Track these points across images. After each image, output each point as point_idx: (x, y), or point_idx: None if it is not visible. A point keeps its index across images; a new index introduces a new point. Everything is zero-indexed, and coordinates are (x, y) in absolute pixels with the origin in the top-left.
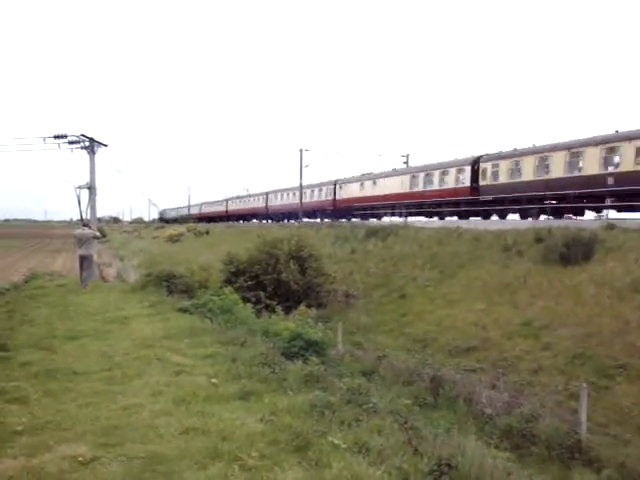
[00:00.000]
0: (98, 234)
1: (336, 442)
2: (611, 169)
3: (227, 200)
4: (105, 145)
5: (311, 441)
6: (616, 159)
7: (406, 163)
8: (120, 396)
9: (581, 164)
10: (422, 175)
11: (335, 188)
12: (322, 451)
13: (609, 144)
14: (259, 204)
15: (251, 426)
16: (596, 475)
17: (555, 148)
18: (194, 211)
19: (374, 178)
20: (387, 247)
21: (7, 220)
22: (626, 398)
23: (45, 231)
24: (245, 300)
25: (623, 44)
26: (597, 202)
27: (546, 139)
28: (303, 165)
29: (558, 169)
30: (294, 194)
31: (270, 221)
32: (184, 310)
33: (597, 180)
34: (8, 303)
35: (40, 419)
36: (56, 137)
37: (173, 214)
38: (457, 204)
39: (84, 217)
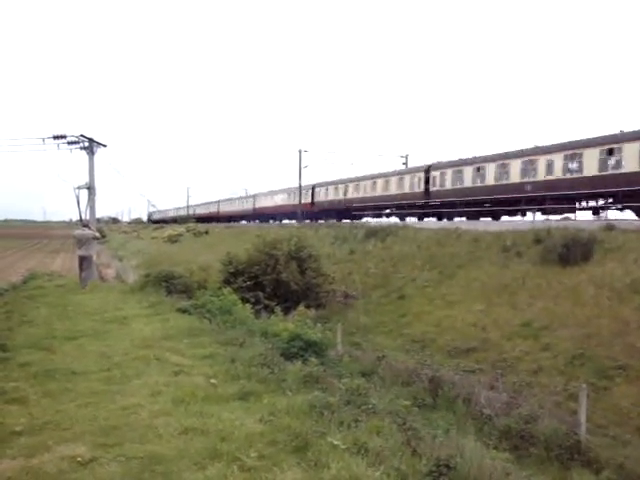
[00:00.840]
0: (98, 235)
1: (335, 443)
2: (529, 179)
3: (219, 202)
4: (104, 145)
5: (310, 442)
6: (533, 170)
7: (405, 164)
8: (119, 396)
9: (508, 174)
10: (382, 180)
11: (313, 192)
12: (321, 452)
13: (530, 157)
14: (247, 206)
15: (250, 426)
16: (595, 476)
17: (486, 160)
18: (186, 212)
19: (346, 182)
20: (386, 248)
21: (6, 220)
22: (625, 399)
23: (44, 231)
24: (244, 300)
25: (627, 43)
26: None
27: (546, 138)
28: (302, 166)
29: (490, 178)
30: (276, 196)
31: (257, 221)
32: (183, 310)
33: (519, 187)
34: (7, 304)
35: (39, 419)
36: (55, 137)
37: (161, 216)
38: (414, 207)
39: (83, 217)
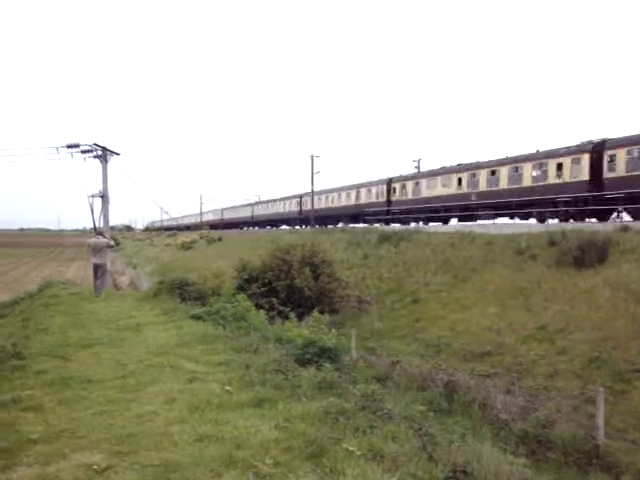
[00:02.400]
0: (112, 243)
1: (350, 449)
2: (473, 189)
3: (223, 210)
4: (117, 154)
5: (325, 448)
6: (476, 181)
7: (417, 168)
8: (134, 404)
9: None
10: (356, 191)
11: (301, 200)
12: (336, 458)
13: (473, 171)
14: (247, 214)
15: (265, 433)
16: None
17: (437, 173)
18: (191, 220)
19: (327, 193)
20: (400, 252)
21: (22, 229)
22: None
23: (58, 240)
24: (258, 307)
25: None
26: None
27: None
28: (314, 171)
29: (424, 191)
30: (271, 205)
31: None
32: (197, 317)
33: (467, 196)
34: (23, 312)
35: (55, 427)
36: (69, 147)
37: (158, 224)
38: (380, 213)
39: (97, 226)
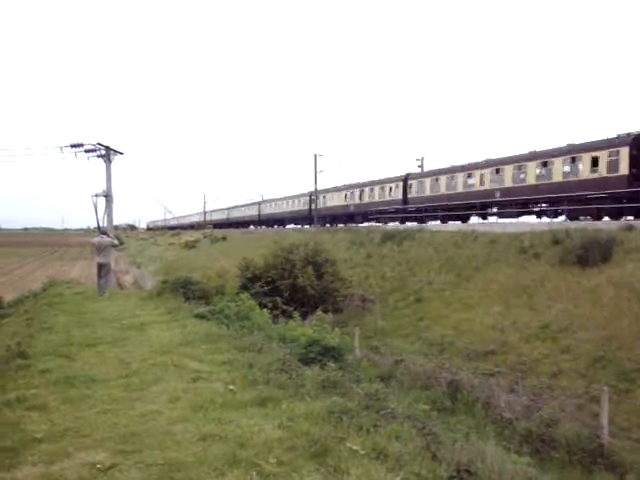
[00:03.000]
0: (116, 242)
1: (354, 448)
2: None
3: (229, 209)
4: (121, 153)
5: (329, 447)
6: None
7: (420, 167)
8: (138, 403)
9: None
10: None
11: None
12: (340, 457)
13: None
14: (254, 212)
15: (269, 432)
16: None
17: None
18: (194, 219)
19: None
20: (403, 251)
21: (26, 229)
22: None
23: (62, 239)
24: (261, 306)
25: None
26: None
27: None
28: (318, 170)
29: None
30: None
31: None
32: (201, 316)
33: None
34: (27, 311)
35: (59, 426)
36: (73, 146)
37: (160, 224)
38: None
39: (101, 225)
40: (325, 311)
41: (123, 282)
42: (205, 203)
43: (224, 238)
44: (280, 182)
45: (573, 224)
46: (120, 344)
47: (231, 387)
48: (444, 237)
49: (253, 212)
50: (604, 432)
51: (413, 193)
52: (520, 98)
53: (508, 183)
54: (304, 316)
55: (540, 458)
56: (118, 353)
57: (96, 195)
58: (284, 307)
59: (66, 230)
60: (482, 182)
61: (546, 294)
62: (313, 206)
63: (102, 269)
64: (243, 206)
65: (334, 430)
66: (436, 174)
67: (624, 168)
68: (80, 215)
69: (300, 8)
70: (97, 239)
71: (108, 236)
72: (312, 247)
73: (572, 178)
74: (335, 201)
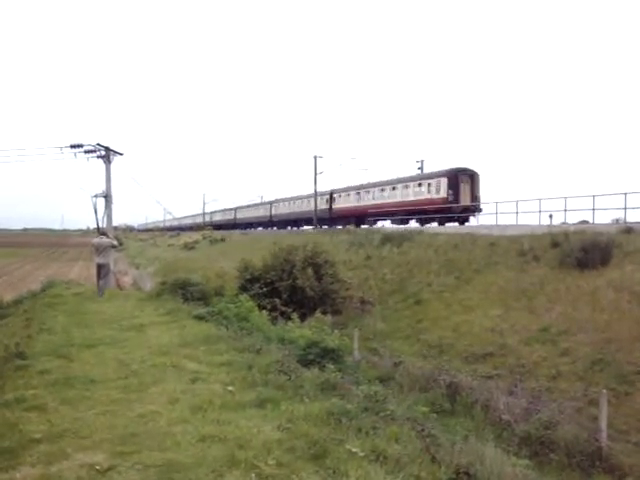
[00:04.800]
0: (116, 243)
1: (353, 450)
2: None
3: (236, 209)
4: (121, 154)
5: (328, 449)
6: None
7: (420, 169)
8: (137, 404)
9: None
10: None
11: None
12: (339, 459)
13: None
14: (265, 213)
15: (268, 434)
16: None
17: (348, 190)
18: (195, 220)
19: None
20: (402, 253)
21: (25, 229)
22: None
23: (62, 240)
24: (261, 307)
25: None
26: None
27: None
28: (318, 172)
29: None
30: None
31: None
32: (200, 317)
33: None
34: (26, 311)
35: (58, 427)
36: (72, 146)
37: (151, 226)
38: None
39: (100, 225)
40: (324, 313)
41: (122, 283)
42: (205, 204)
43: (223, 239)
44: (281, 183)
45: (572, 227)
46: (119, 345)
47: (230, 388)
48: (444, 239)
49: (261, 213)
50: (603, 435)
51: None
52: (524, 97)
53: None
54: (303, 317)
55: (539, 461)
56: (117, 354)
57: (96, 196)
58: (283, 308)
59: (65, 231)
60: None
61: (545, 297)
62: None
63: (101, 270)
64: (252, 206)
65: (333, 432)
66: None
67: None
68: (80, 216)
69: (302, 8)
70: (96, 240)
71: (107, 237)
72: (311, 248)
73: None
74: (367, 199)
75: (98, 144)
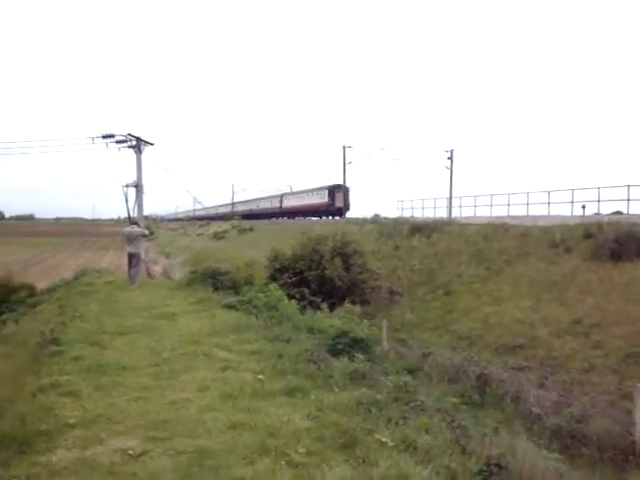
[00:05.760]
0: (147, 232)
1: (383, 440)
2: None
3: (282, 195)
4: (151, 144)
5: (358, 438)
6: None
7: (450, 159)
8: (168, 391)
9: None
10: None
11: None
12: (369, 449)
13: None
14: (322, 199)
15: (297, 422)
16: None
17: (286, 194)
18: (226, 210)
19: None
20: (432, 243)
21: (58, 219)
22: None
23: (93, 229)
24: (289, 296)
25: None
26: None
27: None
28: (347, 162)
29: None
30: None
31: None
32: (230, 306)
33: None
34: (59, 299)
35: (92, 412)
36: (104, 137)
37: (181, 216)
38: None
39: (131, 215)
40: (353, 303)
41: (153, 272)
42: (234, 193)
43: (251, 229)
44: (309, 173)
45: (606, 218)
46: (150, 333)
47: (260, 377)
48: (474, 229)
49: (275, 204)
50: (637, 429)
51: (283, 204)
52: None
53: (299, 202)
54: (332, 307)
55: (570, 455)
56: (148, 342)
57: (127, 185)
58: (312, 298)
59: (97, 220)
60: (296, 200)
61: (577, 288)
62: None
63: (133, 259)
64: (265, 198)
65: (363, 421)
66: (286, 196)
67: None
68: (110, 205)
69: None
70: (128, 229)
71: (139, 226)
72: (340, 238)
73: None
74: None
75: (129, 134)
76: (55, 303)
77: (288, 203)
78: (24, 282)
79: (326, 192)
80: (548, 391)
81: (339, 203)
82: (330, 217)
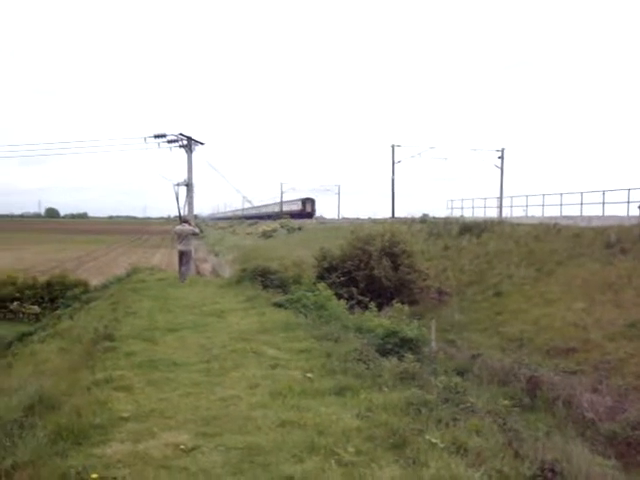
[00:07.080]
0: (197, 230)
1: (433, 441)
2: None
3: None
4: (202, 143)
5: (408, 439)
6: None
7: (501, 158)
8: (218, 387)
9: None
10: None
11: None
12: (419, 449)
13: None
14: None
15: (347, 421)
16: None
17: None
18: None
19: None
20: (481, 244)
21: (111, 217)
22: None
23: (144, 227)
24: (338, 296)
25: None
26: None
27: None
28: (395, 161)
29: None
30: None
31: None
32: (279, 305)
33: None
34: (112, 295)
35: (144, 407)
36: (156, 137)
37: (229, 214)
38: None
39: (182, 213)
40: (401, 303)
41: (202, 270)
42: (282, 193)
43: (300, 228)
44: (358, 172)
45: None
46: (200, 330)
47: (309, 375)
48: (525, 230)
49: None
50: None
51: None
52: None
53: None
54: (380, 307)
55: (625, 462)
56: (199, 339)
57: (177, 184)
58: (360, 298)
59: (148, 219)
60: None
61: (634, 291)
62: None
63: (183, 257)
64: (294, 201)
65: (413, 422)
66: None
67: (299, 207)
68: (161, 204)
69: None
70: (179, 227)
71: (189, 224)
72: (388, 238)
73: (293, 208)
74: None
75: (181, 134)
76: (108, 299)
77: (288, 208)
78: (79, 279)
79: (300, 202)
80: (602, 396)
81: (309, 209)
82: (305, 218)
